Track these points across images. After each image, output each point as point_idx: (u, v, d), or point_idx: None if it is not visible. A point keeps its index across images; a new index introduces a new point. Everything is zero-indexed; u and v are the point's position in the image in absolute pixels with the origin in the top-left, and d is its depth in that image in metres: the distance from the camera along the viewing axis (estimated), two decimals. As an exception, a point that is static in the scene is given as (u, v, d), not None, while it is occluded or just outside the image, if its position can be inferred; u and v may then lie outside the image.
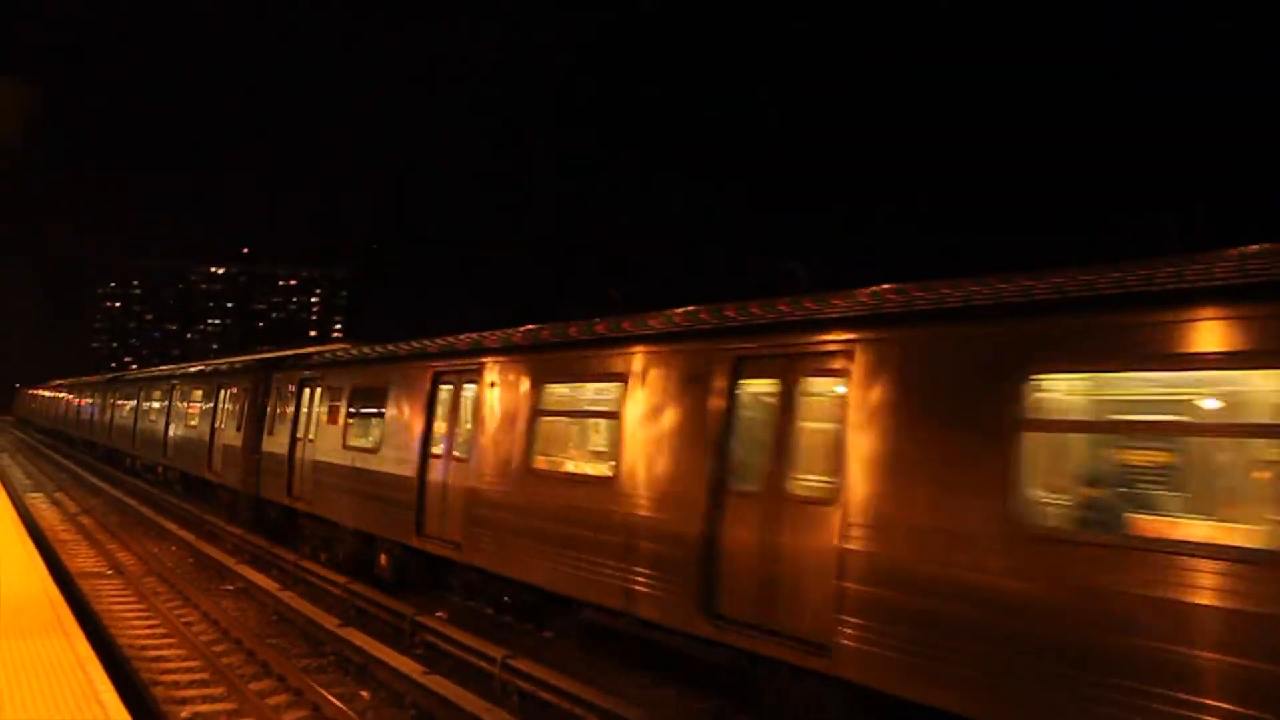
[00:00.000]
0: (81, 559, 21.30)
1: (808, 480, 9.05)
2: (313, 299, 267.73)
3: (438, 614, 14.96)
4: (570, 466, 13.08)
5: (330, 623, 14.73)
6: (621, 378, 11.40)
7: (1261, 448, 6.52)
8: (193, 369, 35.44)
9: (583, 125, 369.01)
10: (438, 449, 15.23)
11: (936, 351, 8.04)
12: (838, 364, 8.77)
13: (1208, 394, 7.04)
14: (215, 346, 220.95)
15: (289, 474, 20.84)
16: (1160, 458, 7.44)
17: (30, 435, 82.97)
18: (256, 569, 19.61)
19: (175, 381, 34.64)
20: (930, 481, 7.79)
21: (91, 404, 55.74)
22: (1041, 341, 7.27)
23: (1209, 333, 6.48)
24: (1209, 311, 6.49)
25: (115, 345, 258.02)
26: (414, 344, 17.49)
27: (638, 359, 11.23)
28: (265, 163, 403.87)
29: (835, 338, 8.87)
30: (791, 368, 9.27)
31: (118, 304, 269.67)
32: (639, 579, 10.39)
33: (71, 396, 68.22)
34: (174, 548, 23.24)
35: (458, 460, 14.60)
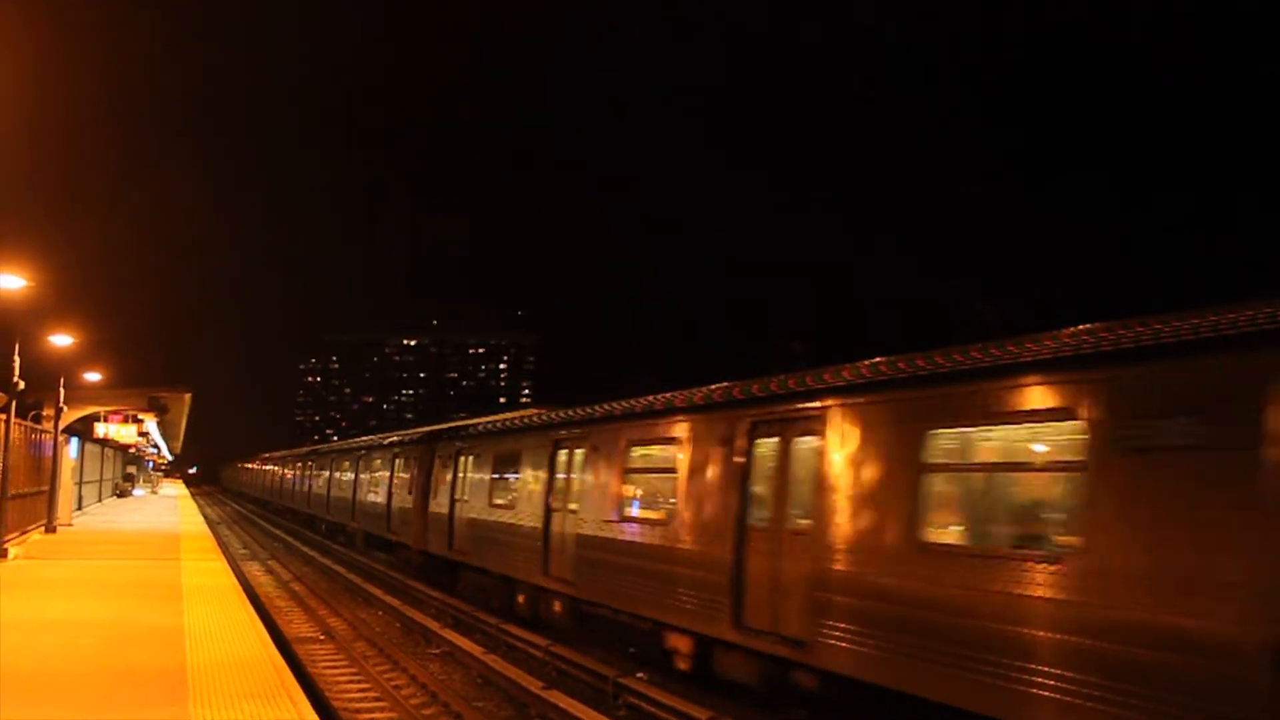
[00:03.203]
0: (296, 624, 22.20)
1: None
2: (500, 366, 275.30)
3: (638, 674, 14.95)
4: None
5: (534, 685, 14.88)
6: None
7: None
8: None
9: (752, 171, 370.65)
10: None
11: None
12: None
13: None
14: (410, 416, 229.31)
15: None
16: None
17: (244, 506, 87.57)
18: (460, 633, 20.02)
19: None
20: None
21: (331, 475, 45.78)
22: None
23: None
24: None
25: (318, 418, 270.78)
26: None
27: None
28: (453, 233, 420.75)
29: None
30: None
31: (318, 379, 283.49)
32: None
33: (288, 469, 63.55)
34: (380, 613, 24.00)
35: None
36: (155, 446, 76.32)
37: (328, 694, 15.30)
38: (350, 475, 40.07)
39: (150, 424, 48.24)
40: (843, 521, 11.03)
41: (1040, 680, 8.51)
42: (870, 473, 10.88)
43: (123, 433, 45.19)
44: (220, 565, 24.70)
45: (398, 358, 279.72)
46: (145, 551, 27.23)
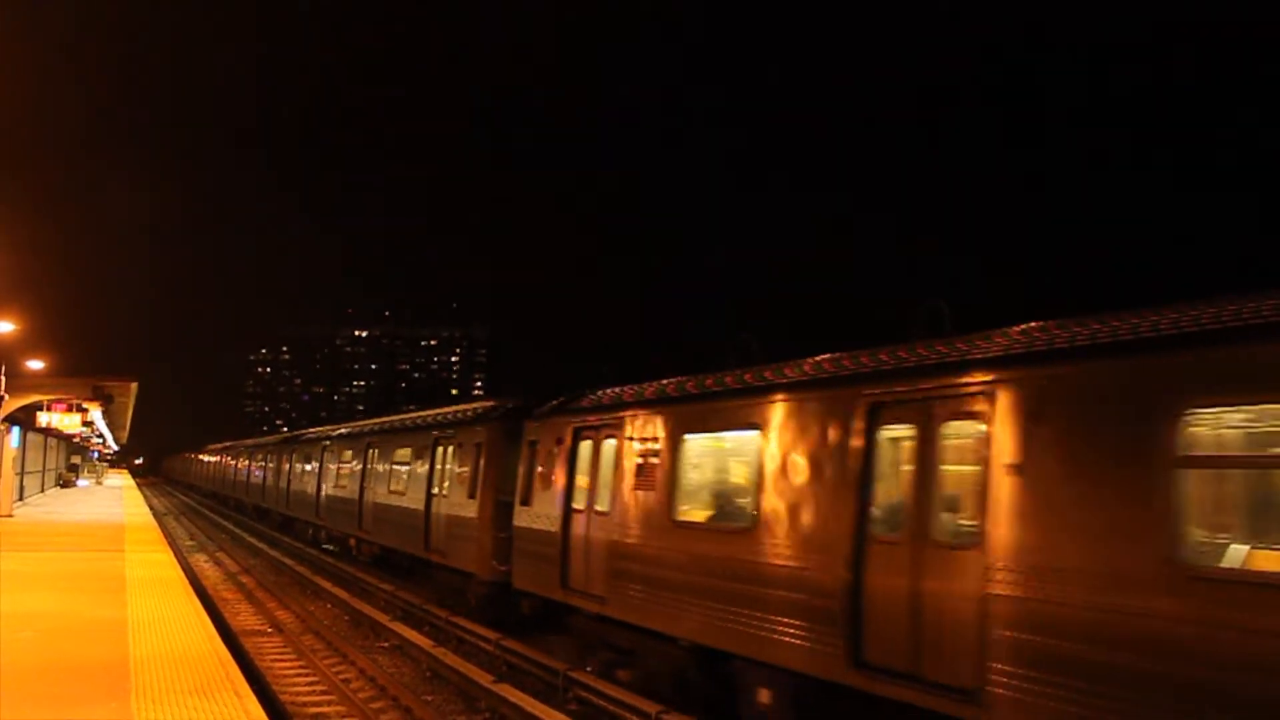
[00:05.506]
0: (243, 617, 21.96)
1: None
2: (453, 358, 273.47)
3: (588, 668, 14.91)
4: None
5: (484, 679, 14.80)
6: None
7: None
8: (312, 432, 42.24)
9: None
10: None
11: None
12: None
13: None
14: (361, 408, 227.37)
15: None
16: None
17: (190, 497, 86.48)
18: (409, 625, 19.89)
19: (294, 445, 43.17)
20: None
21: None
22: None
23: None
24: None
25: (267, 409, 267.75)
26: None
27: None
28: (406, 224, 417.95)
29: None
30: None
31: (268, 369, 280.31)
32: None
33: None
34: (329, 605, 23.79)
35: None
36: (100, 437, 75.16)
37: (275, 688, 15.12)
38: (246, 463, 57.55)
39: (95, 414, 47.41)
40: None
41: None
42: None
43: (66, 422, 44.31)
44: (166, 557, 24.36)
45: (349, 349, 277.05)
46: (88, 543, 26.79)
